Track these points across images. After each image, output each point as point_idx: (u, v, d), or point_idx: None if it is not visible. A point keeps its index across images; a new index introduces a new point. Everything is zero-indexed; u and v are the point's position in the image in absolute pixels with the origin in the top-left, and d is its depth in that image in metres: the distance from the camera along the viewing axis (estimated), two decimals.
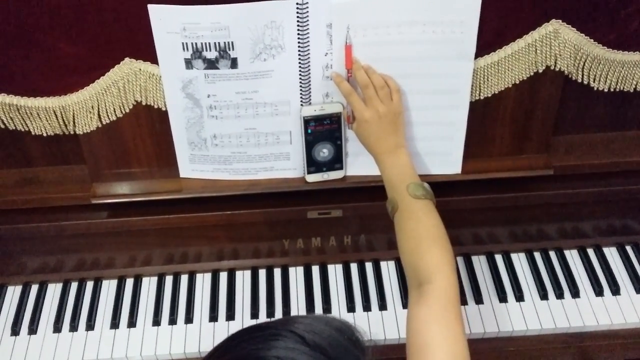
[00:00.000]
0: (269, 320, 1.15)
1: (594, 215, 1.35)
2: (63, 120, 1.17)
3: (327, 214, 1.29)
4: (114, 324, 1.30)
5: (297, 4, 1.03)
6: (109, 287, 1.36)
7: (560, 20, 1.09)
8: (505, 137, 1.23)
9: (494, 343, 1.25)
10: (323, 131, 1.18)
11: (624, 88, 1.19)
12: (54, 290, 1.36)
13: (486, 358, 1.28)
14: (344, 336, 0.70)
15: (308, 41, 1.08)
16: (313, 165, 1.21)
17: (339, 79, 1.11)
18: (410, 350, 0.89)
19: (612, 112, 1.25)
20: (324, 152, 1.20)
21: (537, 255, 1.38)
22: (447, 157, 1.22)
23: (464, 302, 1.30)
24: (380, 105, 1.08)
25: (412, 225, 1.01)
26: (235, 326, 1.29)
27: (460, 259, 1.38)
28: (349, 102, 1.11)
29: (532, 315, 1.28)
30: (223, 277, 1.37)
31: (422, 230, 1.00)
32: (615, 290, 1.31)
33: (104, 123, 1.17)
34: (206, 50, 1.07)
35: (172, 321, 1.30)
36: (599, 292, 1.31)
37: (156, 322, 1.30)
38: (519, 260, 1.38)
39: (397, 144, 1.09)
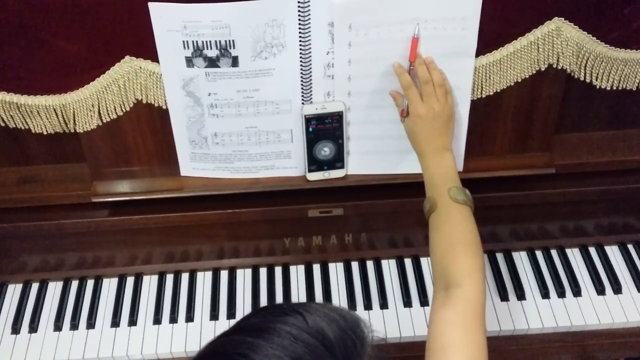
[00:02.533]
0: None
1: (596, 213, 1.35)
2: (63, 118, 1.16)
3: (328, 213, 1.28)
4: (115, 323, 1.29)
5: (298, 2, 1.03)
6: (109, 286, 1.36)
7: (563, 18, 1.08)
8: (507, 135, 1.22)
9: (496, 342, 1.25)
10: (324, 130, 1.17)
11: (626, 86, 1.18)
12: (54, 289, 1.36)
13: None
14: (351, 330, 0.69)
15: (309, 39, 1.07)
16: (314, 163, 1.21)
17: (401, 70, 1.09)
18: (429, 350, 0.88)
19: (614, 110, 1.25)
20: (325, 150, 1.20)
21: (539, 254, 1.38)
22: None
23: None
24: (437, 103, 1.07)
25: (449, 228, 1.01)
26: None
27: None
28: (406, 94, 1.09)
29: (534, 313, 1.28)
30: (224, 275, 1.36)
31: (458, 235, 1.00)
32: (617, 289, 1.31)
33: (105, 121, 1.16)
34: (207, 49, 1.07)
35: (173, 320, 1.29)
36: (600, 290, 1.31)
37: (157, 320, 1.29)
38: (521, 259, 1.37)
39: (444, 145, 1.08)
